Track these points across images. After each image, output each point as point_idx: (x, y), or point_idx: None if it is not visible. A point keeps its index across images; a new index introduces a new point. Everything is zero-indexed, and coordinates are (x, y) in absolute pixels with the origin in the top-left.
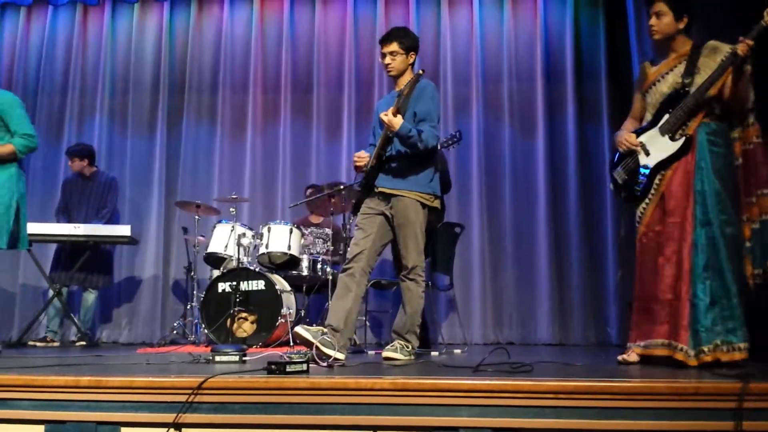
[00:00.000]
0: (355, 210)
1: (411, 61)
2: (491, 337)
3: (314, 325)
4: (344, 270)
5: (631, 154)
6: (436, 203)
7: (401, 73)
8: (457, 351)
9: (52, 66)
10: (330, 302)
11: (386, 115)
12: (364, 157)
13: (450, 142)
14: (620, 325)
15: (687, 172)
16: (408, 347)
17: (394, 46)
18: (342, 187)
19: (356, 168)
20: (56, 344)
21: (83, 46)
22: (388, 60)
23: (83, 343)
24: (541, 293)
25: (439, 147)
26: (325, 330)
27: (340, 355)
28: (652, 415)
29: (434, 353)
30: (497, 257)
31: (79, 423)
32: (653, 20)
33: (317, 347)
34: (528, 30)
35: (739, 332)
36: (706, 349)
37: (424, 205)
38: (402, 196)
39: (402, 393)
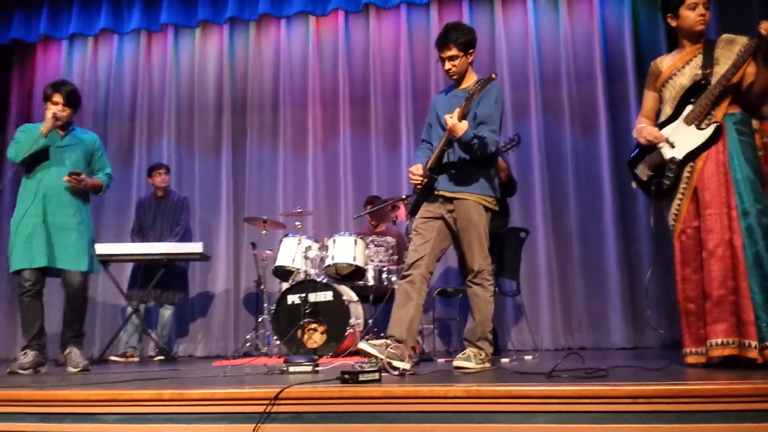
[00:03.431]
0: (413, 212)
1: (471, 59)
2: (562, 342)
3: (381, 335)
4: (404, 277)
5: (652, 148)
6: (497, 206)
7: (464, 74)
8: (528, 357)
9: (120, 92)
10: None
11: (451, 118)
12: (418, 174)
13: (509, 146)
14: None
15: (719, 162)
16: (481, 354)
17: (452, 51)
18: (405, 197)
19: (414, 184)
20: (136, 359)
21: (148, 71)
22: (448, 66)
23: (161, 357)
24: (612, 296)
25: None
26: (389, 342)
27: (408, 366)
28: (735, 418)
29: (504, 360)
30: (564, 261)
31: None
32: None
33: (386, 361)
34: (585, 28)
35: None
36: None
37: (486, 208)
38: (464, 198)
39: (476, 400)
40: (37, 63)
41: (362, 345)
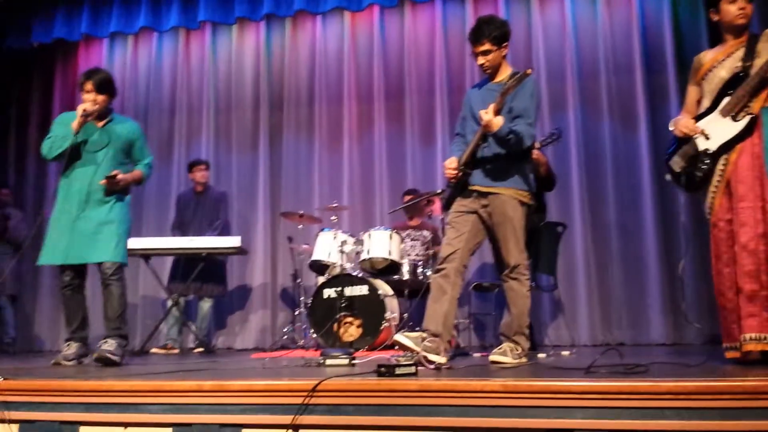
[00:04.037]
0: (447, 206)
1: (505, 53)
2: (599, 338)
3: (417, 329)
4: (437, 271)
5: (688, 140)
6: (532, 201)
7: (498, 68)
8: (565, 353)
9: (160, 89)
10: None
11: (486, 113)
12: (453, 168)
13: (549, 141)
14: None
15: (754, 155)
16: (517, 349)
17: (486, 45)
18: (440, 191)
19: (448, 179)
20: (176, 351)
21: (187, 68)
22: (481, 60)
23: (201, 349)
24: (651, 292)
25: (538, 146)
26: (425, 336)
27: (444, 360)
28: None
29: (541, 355)
30: (603, 256)
31: (204, 425)
32: None
33: (422, 354)
34: (624, 20)
35: None
36: None
37: (521, 203)
38: (499, 193)
39: (512, 395)
40: (79, 61)
41: (398, 337)
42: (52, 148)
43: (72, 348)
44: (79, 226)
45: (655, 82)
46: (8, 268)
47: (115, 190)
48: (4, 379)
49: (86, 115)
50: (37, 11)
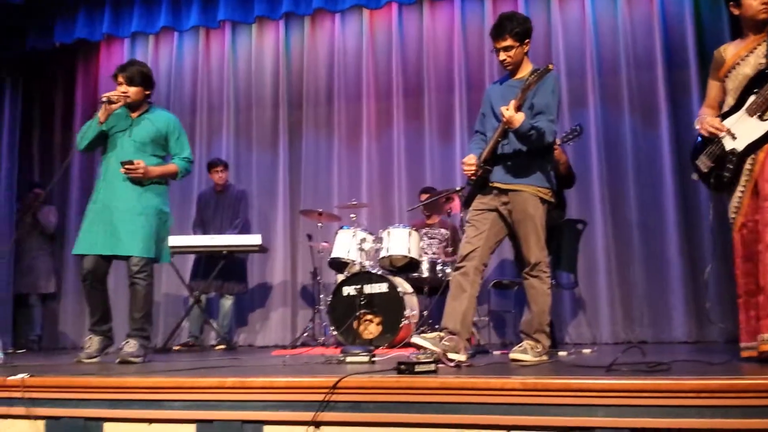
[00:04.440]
0: (466, 204)
1: (527, 49)
2: (621, 335)
3: (436, 326)
4: (457, 269)
5: (715, 140)
6: (553, 198)
7: (519, 65)
8: (586, 350)
9: (181, 88)
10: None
11: (507, 110)
12: (472, 164)
13: (570, 137)
14: None
15: None
16: (538, 347)
17: (508, 41)
18: (459, 188)
19: (468, 177)
20: (198, 348)
21: (207, 67)
22: (503, 56)
23: (222, 346)
24: (674, 289)
25: (559, 142)
26: (443, 335)
27: (463, 357)
28: None
29: (562, 353)
30: (624, 253)
31: (226, 422)
32: None
33: (441, 354)
34: (644, 15)
35: None
36: None
37: (542, 200)
38: (519, 190)
39: (533, 393)
40: (101, 61)
41: (415, 339)
42: (81, 138)
43: (93, 344)
44: (107, 216)
45: (677, 77)
46: (45, 267)
47: (140, 180)
48: (30, 376)
49: (108, 102)
50: (60, 12)
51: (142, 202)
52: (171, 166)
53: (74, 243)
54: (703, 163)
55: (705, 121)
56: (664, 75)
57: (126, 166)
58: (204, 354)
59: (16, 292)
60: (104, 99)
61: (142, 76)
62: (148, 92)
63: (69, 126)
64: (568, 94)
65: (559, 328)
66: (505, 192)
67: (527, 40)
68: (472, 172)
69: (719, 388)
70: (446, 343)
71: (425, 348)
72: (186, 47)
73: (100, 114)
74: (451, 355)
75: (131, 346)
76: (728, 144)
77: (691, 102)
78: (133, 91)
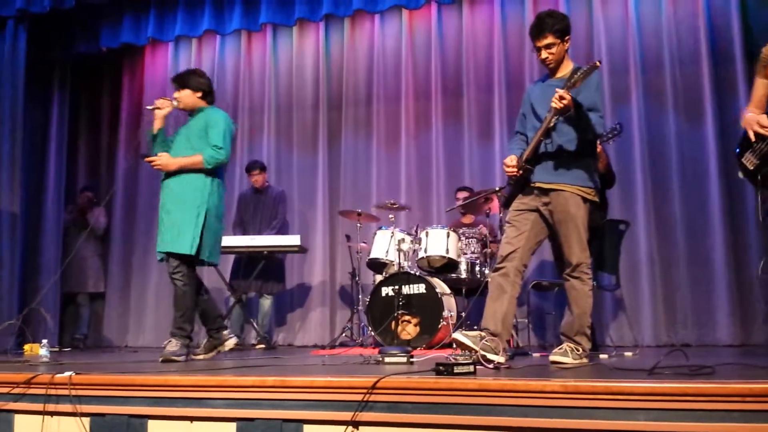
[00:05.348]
0: (507, 204)
1: (567, 46)
2: (664, 338)
3: (475, 327)
4: (497, 269)
5: (763, 138)
6: (596, 197)
7: (560, 63)
8: (628, 353)
9: (223, 90)
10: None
11: (561, 97)
12: (513, 166)
13: (610, 135)
14: None
15: None
16: (578, 350)
17: (548, 39)
18: (498, 188)
19: (509, 177)
20: (238, 347)
21: (249, 70)
22: (544, 54)
23: (262, 345)
24: (718, 291)
25: (599, 141)
26: (484, 334)
27: (503, 359)
28: None
29: (603, 356)
30: (667, 254)
31: (266, 421)
32: None
33: (480, 353)
34: (689, 10)
35: None
36: None
37: (585, 200)
38: (561, 190)
39: (573, 396)
40: (146, 65)
41: (456, 335)
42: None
43: (203, 344)
44: (160, 215)
45: (723, 74)
46: (95, 267)
47: (188, 171)
48: (76, 373)
49: (159, 108)
50: (106, 17)
51: (182, 198)
52: (196, 156)
53: (122, 244)
54: (749, 161)
55: (753, 120)
56: (710, 72)
57: (145, 159)
58: (244, 353)
59: (64, 291)
60: (152, 108)
61: (186, 78)
62: (199, 94)
63: (115, 129)
64: (610, 91)
65: (600, 330)
66: (546, 192)
67: (567, 37)
68: (513, 172)
69: (764, 391)
70: (486, 343)
71: (465, 345)
72: (228, 50)
73: (154, 122)
74: (490, 356)
75: (173, 345)
76: None
77: (736, 99)
78: (183, 94)
